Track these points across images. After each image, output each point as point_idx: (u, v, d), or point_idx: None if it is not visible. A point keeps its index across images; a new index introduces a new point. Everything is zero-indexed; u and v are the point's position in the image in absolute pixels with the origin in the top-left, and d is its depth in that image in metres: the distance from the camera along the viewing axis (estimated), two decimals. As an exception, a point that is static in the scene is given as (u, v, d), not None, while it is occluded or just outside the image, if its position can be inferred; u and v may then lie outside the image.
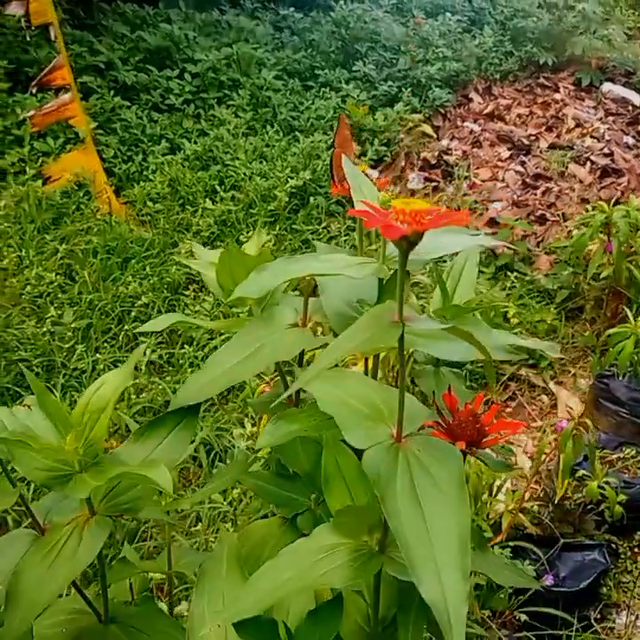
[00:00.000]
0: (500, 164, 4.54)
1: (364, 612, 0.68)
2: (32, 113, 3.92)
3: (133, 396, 2.44)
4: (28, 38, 4.33)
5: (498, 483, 2.18)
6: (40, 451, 0.62)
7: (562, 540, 2.15)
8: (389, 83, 4.81)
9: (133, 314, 2.87)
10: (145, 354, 2.63)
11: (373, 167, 4.29)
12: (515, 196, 4.17)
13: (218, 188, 3.80)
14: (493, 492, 2.18)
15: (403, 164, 4.39)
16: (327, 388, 0.61)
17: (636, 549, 2.38)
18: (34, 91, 3.95)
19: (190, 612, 0.67)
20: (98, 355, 2.64)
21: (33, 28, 3.98)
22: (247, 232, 3.41)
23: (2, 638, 0.65)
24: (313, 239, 3.46)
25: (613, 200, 3.23)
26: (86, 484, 0.64)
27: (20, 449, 0.63)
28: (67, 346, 2.69)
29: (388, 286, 0.70)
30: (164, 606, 1.04)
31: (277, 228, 3.56)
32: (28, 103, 4.11)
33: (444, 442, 0.54)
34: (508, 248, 3.65)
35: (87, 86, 4.39)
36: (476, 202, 4.10)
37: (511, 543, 2.02)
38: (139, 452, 0.73)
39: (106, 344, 2.78)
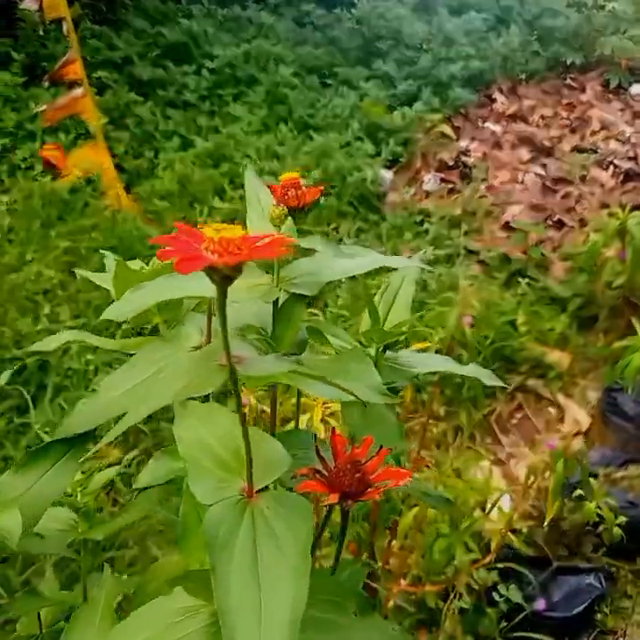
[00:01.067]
0: (520, 166, 4.42)
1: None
2: (44, 107, 3.91)
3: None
4: (41, 33, 4.32)
5: (492, 500, 2.09)
6: None
7: (555, 563, 2.06)
8: (410, 81, 4.71)
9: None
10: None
11: (388, 168, 4.20)
12: (533, 200, 4.05)
13: (227, 186, 3.74)
14: (486, 510, 2.09)
15: (419, 164, 4.29)
16: (195, 424, 0.54)
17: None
18: (46, 85, 3.93)
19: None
20: (90, 356, 2.60)
21: (47, 22, 3.97)
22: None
23: None
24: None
25: (632, 205, 3.11)
26: None
27: None
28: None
29: (282, 311, 0.63)
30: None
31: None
32: (42, 98, 4.10)
33: (297, 497, 0.47)
34: (524, 253, 3.54)
35: (102, 82, 4.37)
36: (492, 205, 3.99)
37: (500, 565, 1.93)
38: (19, 484, 0.67)
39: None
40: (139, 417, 0.53)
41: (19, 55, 4.37)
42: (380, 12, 5.12)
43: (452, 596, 1.84)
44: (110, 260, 0.80)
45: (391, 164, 4.17)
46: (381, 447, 0.55)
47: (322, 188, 0.80)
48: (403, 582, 1.77)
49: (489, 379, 0.78)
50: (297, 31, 5.25)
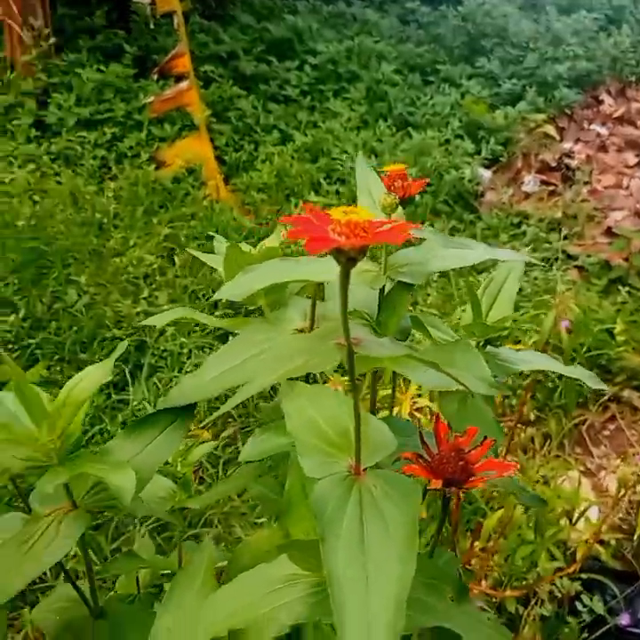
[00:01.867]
0: (625, 170, 4.26)
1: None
2: (152, 99, 4.05)
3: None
4: (152, 26, 4.47)
5: (580, 509, 2.04)
6: (13, 442, 0.61)
7: (644, 580, 1.98)
8: (514, 80, 4.62)
9: (225, 301, 2.90)
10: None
11: (488, 167, 4.14)
12: (638, 206, 3.90)
13: (323, 181, 3.78)
14: (574, 520, 2.04)
15: (519, 165, 4.20)
16: (301, 404, 0.56)
17: None
18: (155, 77, 4.07)
19: (153, 627, 0.64)
20: (183, 339, 2.69)
21: (159, 15, 4.11)
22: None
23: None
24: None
25: None
26: (57, 476, 0.62)
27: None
28: (158, 328, 2.75)
29: (388, 299, 0.63)
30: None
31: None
32: (150, 89, 4.25)
33: (405, 479, 0.48)
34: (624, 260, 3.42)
35: (208, 75, 4.49)
36: (595, 209, 3.87)
37: (584, 575, 1.88)
38: (129, 448, 0.70)
39: (196, 328, 2.83)
40: (257, 388, 0.55)
41: (130, 48, 4.54)
42: (486, 9, 5.04)
43: (533, 602, 1.80)
44: (221, 242, 0.83)
45: (490, 163, 4.10)
46: (485, 438, 0.55)
47: (427, 180, 0.80)
48: (483, 584, 1.75)
49: (592, 381, 0.76)
50: (400, 28, 5.23)
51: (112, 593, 0.91)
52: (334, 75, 4.58)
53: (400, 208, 0.71)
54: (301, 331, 0.72)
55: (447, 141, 4.06)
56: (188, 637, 0.57)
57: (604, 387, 0.76)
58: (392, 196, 0.66)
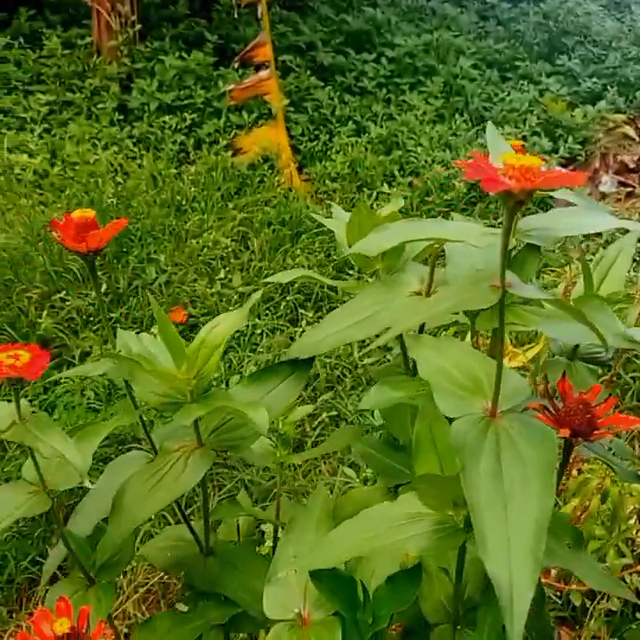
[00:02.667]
0: None
1: (450, 592, 0.66)
2: (232, 87, 4.14)
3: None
4: (235, 15, 4.55)
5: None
6: (155, 375, 0.66)
7: None
8: (594, 79, 4.54)
9: (296, 285, 2.95)
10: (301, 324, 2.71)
11: (564, 166, 4.08)
12: None
13: (396, 173, 3.79)
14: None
15: (597, 165, 4.14)
16: (430, 354, 0.59)
17: None
18: (236, 65, 4.14)
19: (275, 555, 0.68)
20: (258, 320, 2.75)
21: (242, 5, 4.18)
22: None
23: (105, 541, 0.70)
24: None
25: None
26: (192, 412, 0.66)
27: (138, 371, 0.67)
28: (231, 308, 2.82)
29: (515, 260, 0.66)
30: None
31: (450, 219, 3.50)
32: (230, 78, 4.33)
33: (541, 424, 0.50)
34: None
35: (286, 65, 4.55)
36: (673, 213, 3.78)
37: (653, 576, 1.86)
38: (251, 394, 0.75)
39: (268, 311, 2.89)
40: (395, 333, 0.58)
41: (211, 36, 4.63)
42: (569, 7, 4.97)
43: (599, 596, 1.80)
44: (337, 208, 0.87)
45: (567, 162, 4.05)
46: (610, 395, 0.57)
47: (544, 157, 0.82)
48: (550, 576, 1.75)
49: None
50: (480, 24, 5.20)
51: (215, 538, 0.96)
52: (411, 68, 4.58)
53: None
54: (418, 294, 0.75)
55: (524, 138, 4.02)
56: (311, 564, 0.60)
57: None
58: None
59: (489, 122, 0.81)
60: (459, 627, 0.65)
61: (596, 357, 0.83)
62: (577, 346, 0.81)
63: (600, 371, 0.89)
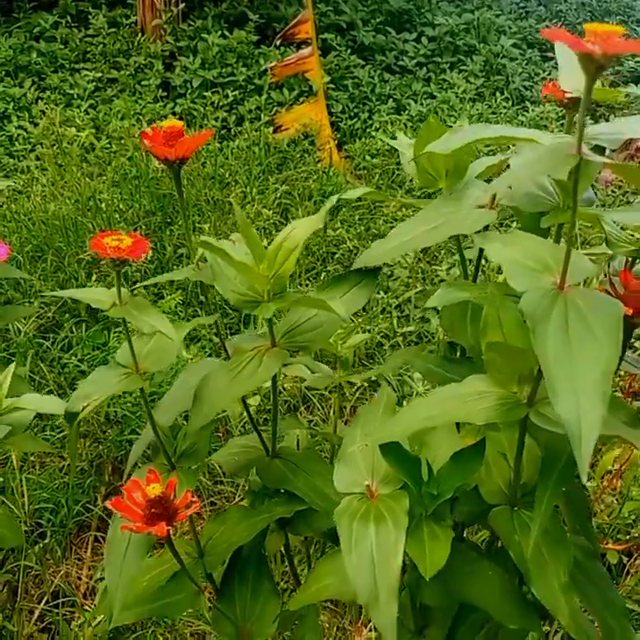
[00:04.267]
0: None
1: (507, 477, 0.70)
2: (273, 64, 4.19)
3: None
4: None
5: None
6: (239, 269, 0.71)
7: None
8: (637, 59, 4.50)
9: (337, 256, 3.00)
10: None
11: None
12: None
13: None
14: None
15: (638, 144, 4.12)
16: (498, 246, 0.64)
17: None
18: (278, 43, 4.19)
19: (345, 436, 0.74)
20: (300, 288, 2.80)
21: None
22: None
23: (187, 428, 0.75)
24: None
25: None
26: (271, 307, 0.72)
27: (222, 270, 0.73)
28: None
29: (580, 169, 0.70)
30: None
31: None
32: (270, 55, 4.38)
33: (607, 296, 0.54)
34: None
35: (327, 44, 4.58)
36: None
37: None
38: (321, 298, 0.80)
39: (308, 281, 2.94)
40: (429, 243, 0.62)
41: (254, 15, 4.68)
42: (612, -14, 4.92)
43: (636, 554, 1.83)
44: (401, 135, 0.91)
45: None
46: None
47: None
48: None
49: None
50: (522, 4, 5.18)
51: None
52: (452, 47, 4.59)
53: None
54: (482, 207, 0.79)
55: (564, 117, 4.01)
56: (381, 438, 0.65)
57: None
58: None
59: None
60: (516, 508, 0.70)
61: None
62: (633, 263, 0.84)
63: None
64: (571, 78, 0.73)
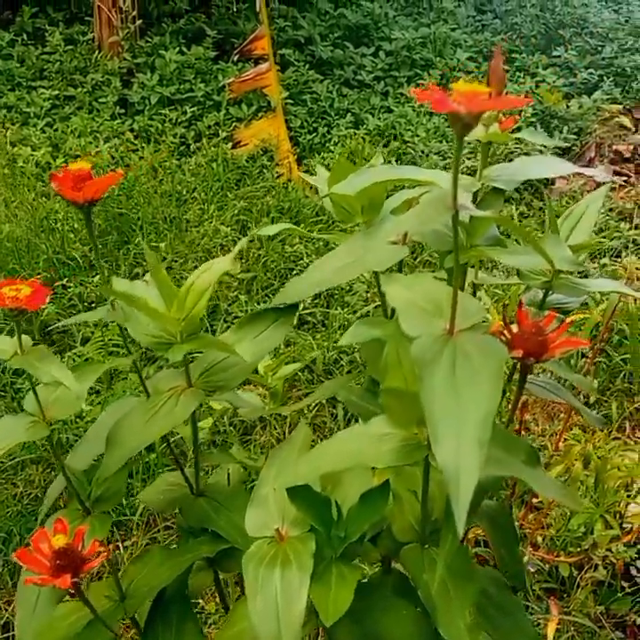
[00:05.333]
0: (702, 163, 4.19)
1: (418, 513, 0.71)
2: (231, 80, 4.19)
3: (282, 347, 2.57)
4: (234, 10, 4.60)
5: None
6: (148, 313, 0.71)
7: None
8: (591, 71, 4.59)
9: (295, 272, 3.00)
10: (299, 311, 2.76)
11: (559, 156, 4.13)
12: None
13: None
14: (632, 494, 2.07)
15: (592, 155, 4.18)
16: (400, 288, 0.64)
17: None
18: (235, 59, 4.20)
19: (259, 477, 0.74)
20: (258, 306, 2.80)
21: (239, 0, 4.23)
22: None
23: (101, 472, 0.75)
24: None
25: None
26: (182, 348, 0.72)
27: (133, 312, 0.72)
28: (231, 294, 2.88)
29: (480, 204, 0.71)
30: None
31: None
32: (229, 71, 4.39)
33: (493, 339, 0.55)
34: None
35: (286, 59, 4.60)
36: (668, 201, 3.83)
37: (640, 547, 1.91)
38: (238, 338, 0.80)
39: (266, 297, 2.94)
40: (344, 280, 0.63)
41: (211, 31, 4.68)
42: (565, -1, 5.01)
43: (586, 567, 1.85)
44: (321, 168, 0.92)
45: (563, 152, 4.09)
46: (563, 320, 0.62)
47: (517, 118, 0.88)
48: (538, 550, 1.80)
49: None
50: (477, 17, 5.25)
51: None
52: (408, 61, 4.63)
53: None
54: (395, 243, 0.80)
55: (519, 129, 4.07)
56: (289, 481, 0.66)
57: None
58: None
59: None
60: (426, 545, 0.70)
61: (564, 306, 0.88)
62: (546, 294, 0.86)
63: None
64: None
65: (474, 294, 0.87)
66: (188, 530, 0.88)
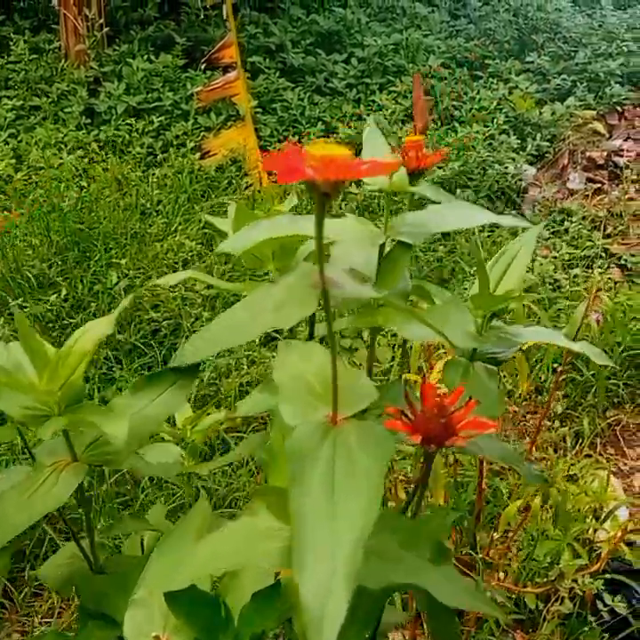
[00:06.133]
0: (677, 169, 4.15)
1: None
2: (199, 89, 4.11)
3: (245, 367, 2.49)
4: (203, 17, 4.52)
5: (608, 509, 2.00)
6: (14, 387, 0.63)
7: (672, 584, 1.94)
8: (564, 76, 4.55)
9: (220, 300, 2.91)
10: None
11: (532, 163, 4.08)
12: (688, 206, 3.80)
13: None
14: (601, 518, 2.00)
15: (565, 161, 4.13)
16: (292, 359, 0.57)
17: None
18: (203, 67, 4.12)
19: (143, 571, 0.66)
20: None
21: (208, 6, 4.15)
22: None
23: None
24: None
25: None
26: (54, 424, 0.64)
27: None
28: (194, 311, 2.79)
29: (387, 259, 0.64)
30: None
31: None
32: (198, 80, 4.30)
33: (381, 429, 0.48)
34: None
35: (256, 66, 4.52)
36: (642, 208, 3.78)
37: (608, 576, 1.84)
38: (134, 404, 0.72)
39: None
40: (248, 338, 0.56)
41: (180, 39, 4.60)
42: (539, 3, 4.97)
43: (553, 599, 1.78)
44: (232, 207, 0.84)
45: (536, 159, 4.04)
46: (470, 398, 0.55)
47: (444, 154, 0.80)
48: (503, 580, 1.73)
49: (599, 357, 0.75)
50: (451, 23, 5.19)
51: (117, 553, 0.93)
52: (381, 68, 4.57)
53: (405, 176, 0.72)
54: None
55: (492, 137, 4.01)
56: (168, 584, 0.58)
57: (609, 363, 0.75)
58: (394, 156, 0.67)
59: (370, 117, 0.79)
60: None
61: (495, 357, 0.81)
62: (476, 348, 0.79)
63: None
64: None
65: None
66: (86, 611, 0.80)
